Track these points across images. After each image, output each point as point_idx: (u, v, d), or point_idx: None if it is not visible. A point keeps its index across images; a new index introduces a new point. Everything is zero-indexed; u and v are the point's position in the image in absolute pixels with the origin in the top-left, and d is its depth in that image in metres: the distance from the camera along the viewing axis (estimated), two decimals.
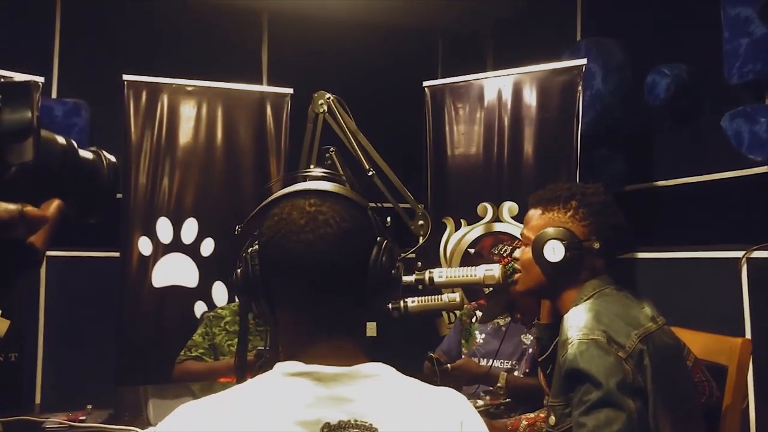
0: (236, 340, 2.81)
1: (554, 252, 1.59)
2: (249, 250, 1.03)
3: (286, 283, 0.99)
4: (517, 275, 1.72)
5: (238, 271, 1.05)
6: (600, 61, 3.42)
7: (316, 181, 1.04)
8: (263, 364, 2.22)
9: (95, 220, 0.65)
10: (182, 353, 2.88)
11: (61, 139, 0.62)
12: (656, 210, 3.49)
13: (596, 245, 1.60)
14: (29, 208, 0.53)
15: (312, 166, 1.79)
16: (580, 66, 3.32)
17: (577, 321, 1.47)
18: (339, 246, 0.96)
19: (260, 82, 4.28)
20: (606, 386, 1.36)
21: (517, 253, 1.74)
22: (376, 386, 0.95)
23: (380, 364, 0.99)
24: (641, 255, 3.46)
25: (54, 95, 3.96)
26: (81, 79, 3.99)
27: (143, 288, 3.46)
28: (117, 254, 3.53)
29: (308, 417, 0.89)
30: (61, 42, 4.03)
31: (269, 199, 1.03)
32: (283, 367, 0.95)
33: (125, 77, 3.55)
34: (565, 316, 1.52)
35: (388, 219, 1.25)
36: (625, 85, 3.43)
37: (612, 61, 3.43)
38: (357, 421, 0.91)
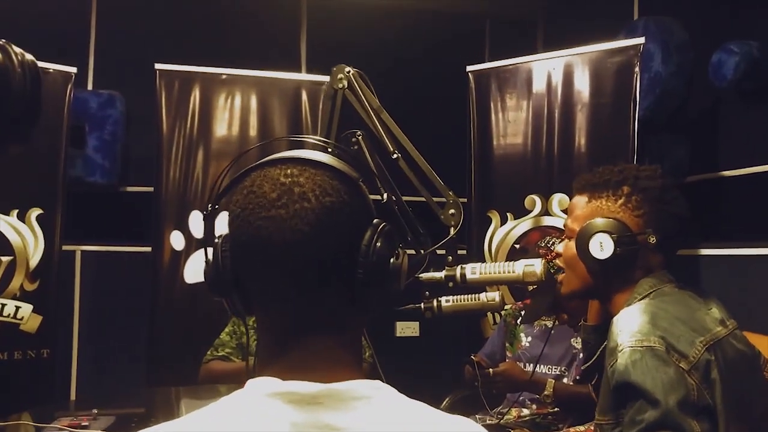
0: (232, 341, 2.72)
1: (602, 247, 1.37)
2: (220, 236, 0.85)
3: (256, 270, 0.80)
4: (561, 276, 1.50)
5: (207, 261, 0.87)
6: (659, 41, 3.15)
7: (301, 150, 0.85)
8: None
9: (20, 146, 0.45)
10: (209, 353, 2.75)
11: None
12: (721, 202, 3.20)
13: (652, 239, 1.37)
14: None
15: (330, 150, 1.60)
16: (638, 46, 3.05)
17: (630, 325, 1.24)
18: (318, 225, 0.76)
19: (299, 70, 4.14)
20: (664, 404, 1.13)
21: (559, 248, 1.52)
22: (371, 412, 0.75)
23: (376, 382, 0.78)
24: (704, 252, 3.18)
25: (89, 87, 3.90)
26: (116, 70, 3.92)
27: (175, 284, 3.35)
28: (149, 249, 3.43)
29: None
30: (96, 34, 3.97)
31: (241, 171, 0.84)
32: (255, 386, 0.76)
33: (157, 66, 3.45)
34: (615, 318, 1.30)
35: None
36: (687, 66, 3.15)
37: (672, 41, 3.16)
38: None
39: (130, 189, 3.93)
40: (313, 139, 1.20)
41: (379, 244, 0.80)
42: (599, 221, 1.40)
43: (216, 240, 0.84)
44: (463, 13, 4.33)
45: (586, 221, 1.43)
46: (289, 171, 0.79)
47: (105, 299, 3.84)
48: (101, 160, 3.74)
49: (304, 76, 3.82)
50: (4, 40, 0.47)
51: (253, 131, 3.54)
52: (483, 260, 3.30)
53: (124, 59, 3.90)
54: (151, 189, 3.51)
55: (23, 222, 3.25)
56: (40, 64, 3.31)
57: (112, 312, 3.83)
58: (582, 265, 1.43)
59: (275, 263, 0.77)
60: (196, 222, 3.41)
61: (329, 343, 0.80)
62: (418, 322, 4.16)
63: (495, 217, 3.35)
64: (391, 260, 0.82)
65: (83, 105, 3.68)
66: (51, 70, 3.38)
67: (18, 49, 0.49)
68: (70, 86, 3.41)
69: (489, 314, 3.32)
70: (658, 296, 1.32)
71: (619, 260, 1.36)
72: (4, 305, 3.19)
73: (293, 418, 0.73)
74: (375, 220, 0.82)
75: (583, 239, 1.41)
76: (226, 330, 2.79)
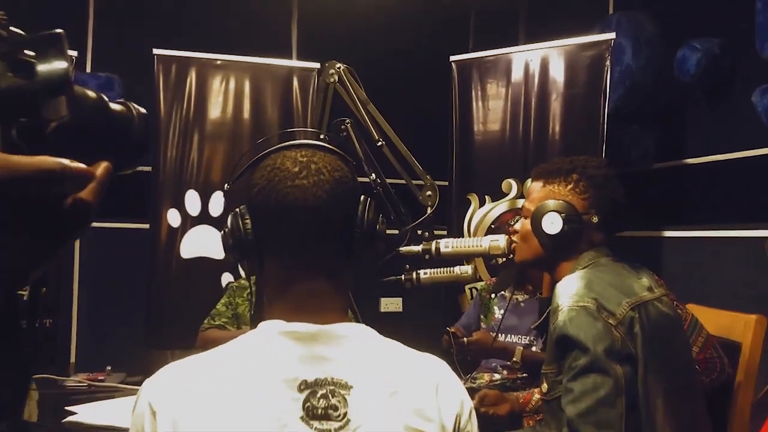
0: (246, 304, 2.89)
1: (552, 224, 1.59)
2: (237, 209, 1.07)
3: (278, 228, 1.02)
4: (514, 245, 1.72)
5: (226, 230, 1.09)
6: (630, 36, 3.35)
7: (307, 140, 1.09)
8: None
9: (130, 171, 0.64)
10: (206, 322, 2.94)
11: (91, 93, 0.61)
12: (684, 188, 3.42)
13: (595, 219, 1.59)
14: (72, 162, 0.51)
15: (322, 137, 1.81)
16: (608, 41, 3.26)
17: (569, 289, 1.46)
18: (331, 193, 1.00)
19: (290, 57, 4.31)
20: (593, 352, 1.36)
21: (517, 225, 1.74)
22: (353, 346, 0.98)
23: (359, 325, 1.02)
24: (668, 234, 3.40)
25: (88, 69, 4.05)
26: (114, 53, 4.06)
27: (172, 259, 3.53)
28: (147, 226, 3.62)
29: (289, 375, 0.93)
30: (95, 17, 4.12)
31: (260, 154, 1.06)
32: (267, 326, 0.98)
33: (155, 51, 3.61)
34: (558, 284, 1.52)
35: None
36: (655, 60, 3.35)
37: (643, 36, 3.36)
38: (333, 378, 0.94)
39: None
40: (310, 130, 1.41)
41: (369, 212, 1.05)
42: (551, 202, 1.62)
43: (236, 211, 1.06)
44: (450, 4, 4.49)
45: (540, 203, 1.65)
46: (303, 152, 1.03)
47: (104, 273, 4.02)
48: None
49: (295, 62, 3.99)
50: (123, 99, 0.61)
51: (246, 114, 3.70)
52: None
53: (121, 43, 4.05)
54: (148, 169, 3.69)
55: None
56: None
57: (110, 285, 4.01)
58: (535, 239, 1.65)
59: (298, 222, 1.00)
60: (191, 200, 3.60)
61: (326, 287, 1.02)
62: (401, 298, 4.38)
63: (474, 200, 3.55)
64: (377, 226, 1.07)
65: (82, 87, 3.83)
66: (47, 32, 3.53)
67: (134, 105, 0.62)
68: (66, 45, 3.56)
69: (467, 290, 3.54)
70: (595, 267, 1.54)
71: (566, 235, 1.58)
72: None
73: (298, 351, 0.95)
74: (362, 196, 1.06)
75: (537, 217, 1.63)
76: (222, 301, 2.99)
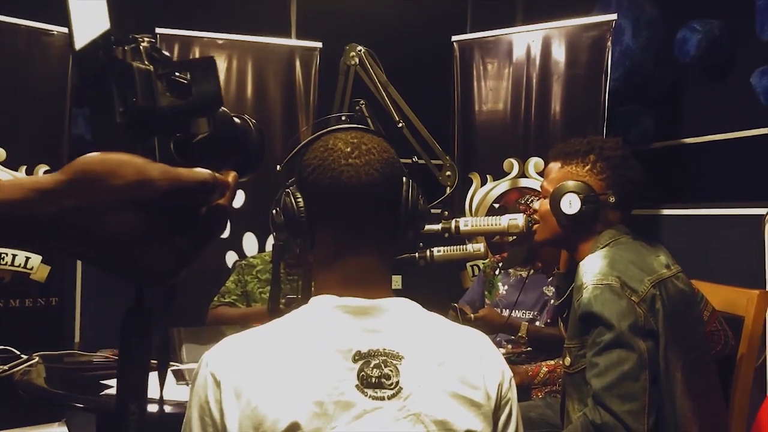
0: (267, 287, 2.91)
1: (571, 205, 1.64)
2: (288, 189, 1.12)
3: (332, 205, 1.07)
4: (535, 225, 1.78)
5: (277, 209, 1.13)
6: (631, 17, 3.40)
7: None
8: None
9: (248, 179, 0.70)
10: (216, 299, 2.99)
11: (221, 109, 0.66)
12: (683, 167, 3.50)
13: (612, 199, 1.65)
14: (218, 175, 0.56)
15: (343, 118, 1.85)
16: (610, 21, 3.30)
17: (593, 267, 1.52)
18: (381, 171, 1.06)
19: (289, 36, 4.31)
20: (618, 328, 1.42)
21: (536, 205, 1.80)
22: (401, 319, 1.04)
23: (404, 299, 1.07)
24: (667, 212, 3.48)
25: None
26: (115, 33, 4.05)
27: None
28: None
29: (343, 346, 0.98)
30: None
31: (312, 137, 1.11)
32: (322, 301, 1.04)
33: (158, 30, 3.61)
34: (581, 262, 1.58)
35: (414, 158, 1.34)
36: (655, 41, 3.41)
37: (643, 17, 3.41)
38: (384, 349, 0.99)
39: None
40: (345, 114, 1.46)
41: (414, 192, 1.11)
42: (569, 183, 1.68)
43: (287, 190, 1.11)
44: None
45: (559, 183, 1.70)
46: (353, 134, 1.09)
47: None
48: None
49: (297, 42, 4.00)
50: (246, 116, 0.66)
51: (248, 93, 3.72)
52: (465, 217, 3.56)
53: (122, 21, 4.03)
54: None
55: None
56: (44, 26, 3.48)
57: None
58: (554, 219, 1.70)
59: (352, 197, 1.05)
60: None
61: (375, 262, 1.08)
62: (400, 276, 4.43)
63: (476, 179, 3.61)
64: (420, 205, 1.13)
65: None
66: (55, 33, 3.53)
67: (250, 118, 0.67)
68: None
69: (468, 267, 3.61)
70: (616, 245, 1.60)
71: (584, 215, 1.64)
72: (15, 255, 3.40)
73: (351, 323, 1.01)
74: (404, 177, 1.11)
75: (556, 198, 1.68)
76: (232, 279, 3.04)
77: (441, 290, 3.81)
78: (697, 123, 3.43)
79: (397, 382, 0.98)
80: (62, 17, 0.61)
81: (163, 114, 0.57)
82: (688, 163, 3.46)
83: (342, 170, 1.04)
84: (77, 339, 4.02)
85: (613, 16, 3.30)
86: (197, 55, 3.66)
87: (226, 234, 3.63)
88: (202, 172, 0.55)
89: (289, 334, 1.02)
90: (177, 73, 0.58)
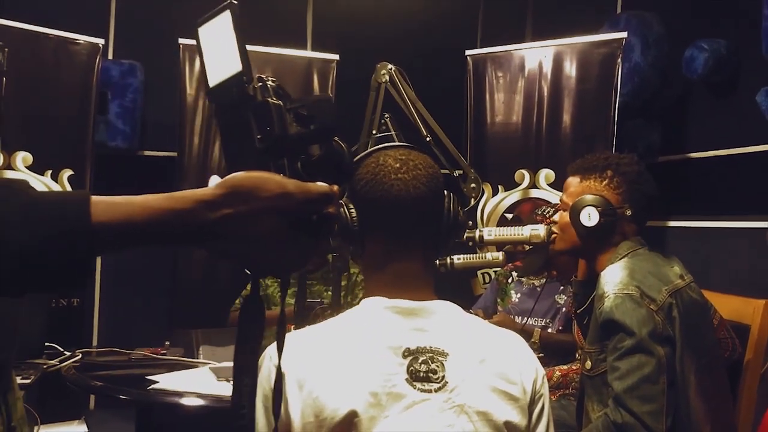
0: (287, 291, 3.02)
1: (590, 218, 1.75)
2: (342, 200, 1.22)
3: (383, 215, 1.17)
4: (554, 236, 1.88)
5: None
6: (639, 34, 3.51)
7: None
8: (315, 316, 2.44)
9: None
10: (237, 302, 3.09)
11: None
12: (689, 180, 3.61)
13: (628, 212, 1.75)
14: (334, 187, 0.71)
15: (374, 132, 1.95)
16: (620, 39, 3.42)
17: (614, 277, 1.63)
18: (427, 185, 1.16)
19: (305, 47, 4.42)
20: (638, 335, 1.53)
21: (556, 217, 1.90)
22: (445, 320, 1.14)
23: (447, 302, 1.18)
24: (673, 224, 3.59)
25: (110, 56, 4.15)
26: (136, 41, 4.16)
27: None
28: None
29: (394, 343, 1.09)
30: (117, 5, 4.21)
31: (362, 154, 1.22)
32: (373, 302, 1.14)
33: (181, 41, 3.72)
34: (602, 273, 1.68)
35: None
36: (663, 58, 3.52)
37: (651, 35, 3.53)
38: (431, 347, 1.10)
39: (148, 153, 4.21)
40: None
41: (454, 204, 1.22)
42: (588, 197, 1.78)
43: (341, 202, 1.21)
44: None
45: (578, 197, 1.81)
46: (401, 152, 1.19)
47: (127, 255, 4.13)
48: (122, 126, 4.02)
49: (314, 54, 4.10)
50: (337, 139, 0.79)
51: None
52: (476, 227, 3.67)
53: (142, 30, 4.15)
54: (170, 153, 3.82)
55: (56, 182, 3.54)
56: (71, 35, 3.59)
57: (132, 267, 4.13)
58: (573, 231, 1.81)
59: (401, 209, 1.15)
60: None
61: (421, 268, 1.19)
62: None
63: (487, 189, 3.72)
64: (459, 216, 1.24)
65: (105, 74, 3.92)
66: (81, 42, 3.64)
67: (342, 142, 0.79)
68: (98, 57, 3.68)
69: (479, 275, 3.71)
70: (634, 256, 1.71)
71: (602, 228, 1.75)
72: None
73: (401, 323, 1.11)
74: (445, 191, 1.22)
75: (575, 211, 1.79)
76: None
77: (451, 297, 3.91)
78: (702, 138, 3.54)
79: (443, 377, 1.08)
80: (194, 54, 0.73)
81: (293, 140, 0.70)
82: (694, 177, 3.57)
83: (392, 184, 1.15)
84: (95, 341, 4.11)
85: (624, 34, 3.42)
86: None
87: None
88: (324, 185, 0.70)
89: (346, 331, 1.12)
90: (302, 108, 0.71)
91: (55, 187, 3.53)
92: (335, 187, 0.72)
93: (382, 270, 1.19)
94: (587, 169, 1.85)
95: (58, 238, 0.58)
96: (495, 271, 3.25)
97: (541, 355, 2.78)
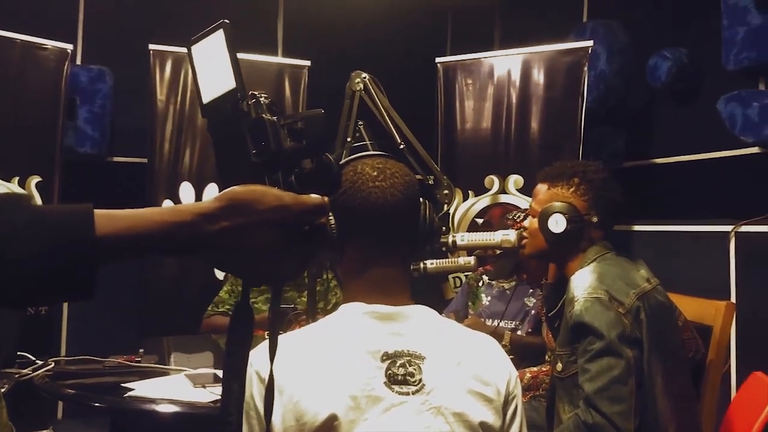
0: (259, 297, 3.03)
1: (557, 224, 1.80)
2: None
3: (360, 222, 1.20)
4: (524, 241, 1.93)
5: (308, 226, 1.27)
6: (605, 43, 3.60)
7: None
8: (289, 322, 2.46)
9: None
10: (209, 309, 3.09)
11: None
12: (653, 185, 3.70)
13: (595, 219, 1.81)
14: (326, 198, 0.74)
15: (349, 140, 1.98)
16: (587, 48, 3.50)
17: (583, 282, 1.69)
18: (404, 193, 1.19)
19: (275, 54, 4.43)
20: (608, 337, 1.58)
21: (526, 222, 1.95)
22: (422, 324, 1.18)
23: (423, 307, 1.22)
24: (638, 228, 3.67)
25: (79, 62, 4.11)
26: (105, 46, 4.13)
27: None
28: None
29: (372, 347, 1.12)
30: (85, 10, 4.17)
31: (342, 162, 1.25)
32: (352, 308, 1.17)
33: (151, 47, 3.71)
34: (572, 277, 1.73)
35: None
36: (628, 66, 3.61)
37: (616, 43, 3.61)
38: (409, 350, 1.13)
39: (117, 159, 4.17)
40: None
41: (429, 212, 1.25)
42: (555, 204, 1.83)
43: None
44: (428, 6, 4.66)
45: (546, 204, 1.86)
46: (378, 160, 1.23)
47: None
48: (92, 132, 3.97)
49: (286, 60, 4.12)
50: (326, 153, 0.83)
51: None
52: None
53: (112, 36, 4.11)
54: (141, 160, 3.80)
55: (23, 188, 3.49)
56: (39, 40, 3.56)
57: (102, 274, 4.07)
58: (542, 236, 1.86)
59: (379, 216, 1.18)
60: (186, 192, 3.72)
61: (397, 273, 1.22)
62: None
63: (458, 194, 3.76)
64: (435, 223, 1.27)
65: (74, 79, 3.88)
66: (49, 47, 3.61)
67: (330, 156, 0.83)
68: (67, 62, 3.65)
69: (450, 279, 3.76)
70: (602, 261, 1.76)
71: (570, 234, 1.80)
72: None
73: (379, 328, 1.14)
74: (421, 198, 1.25)
75: (543, 218, 1.84)
76: (225, 289, 3.14)
77: (424, 301, 3.94)
78: (666, 144, 3.63)
79: (420, 380, 1.12)
80: (189, 72, 0.75)
81: (287, 155, 0.74)
82: (658, 182, 3.67)
83: (370, 192, 1.18)
84: (63, 349, 4.06)
85: (590, 43, 3.50)
86: (189, 72, 3.75)
87: None
88: (317, 197, 0.73)
89: (325, 337, 1.15)
90: (296, 123, 0.74)
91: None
92: (326, 199, 0.75)
93: (360, 276, 1.21)
94: (555, 176, 1.90)
95: (64, 251, 0.61)
96: (466, 275, 3.30)
97: (511, 357, 2.83)
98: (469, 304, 3.17)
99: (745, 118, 2.88)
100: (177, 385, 1.96)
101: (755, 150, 3.02)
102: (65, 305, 4.08)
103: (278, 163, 0.74)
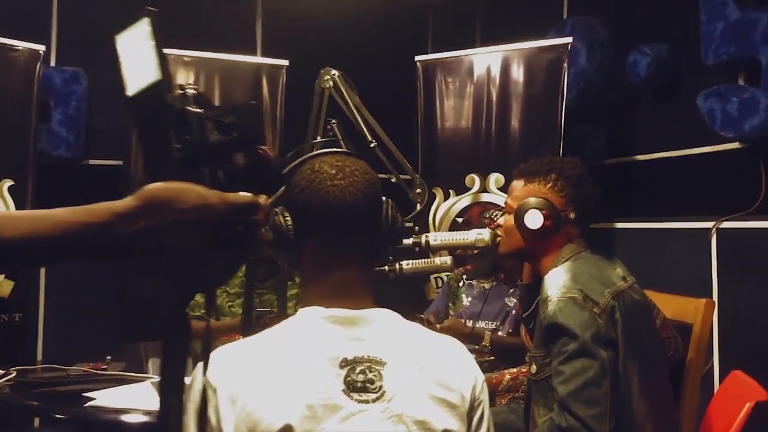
0: (237, 301, 2.97)
1: (533, 220, 1.76)
2: (277, 209, 1.20)
3: (318, 222, 1.15)
4: (499, 239, 1.89)
5: (266, 227, 1.21)
6: (585, 40, 3.57)
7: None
8: (264, 325, 2.40)
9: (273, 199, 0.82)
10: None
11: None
12: (634, 182, 3.67)
13: (572, 215, 1.77)
14: (261, 197, 0.69)
15: (318, 138, 1.94)
16: (566, 44, 3.46)
17: (557, 281, 1.64)
18: (364, 192, 1.15)
19: (255, 53, 4.38)
20: (582, 338, 1.54)
21: (501, 220, 1.91)
22: (383, 328, 1.13)
23: (386, 310, 1.17)
24: (619, 225, 3.64)
25: (53, 63, 4.04)
26: (79, 47, 4.05)
27: None
28: None
29: (331, 354, 1.07)
30: (59, 11, 4.10)
31: (299, 160, 1.20)
32: (310, 312, 1.12)
33: None
34: (546, 276, 1.69)
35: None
36: (608, 63, 3.59)
37: (596, 40, 3.59)
38: (369, 356, 1.08)
39: (93, 162, 4.10)
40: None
41: (392, 211, 1.21)
42: (532, 200, 1.79)
43: (275, 211, 1.19)
44: (409, 4, 4.62)
45: (522, 200, 1.82)
46: (337, 158, 1.18)
47: (72, 268, 4.02)
48: (66, 134, 3.90)
49: (264, 60, 4.07)
50: (265, 147, 0.78)
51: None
52: (428, 231, 3.67)
53: (86, 37, 4.03)
54: (116, 162, 3.74)
55: None
56: (10, 41, 3.49)
57: (78, 280, 4.01)
58: (518, 233, 1.82)
59: (338, 216, 1.14)
60: None
61: (358, 276, 1.17)
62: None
63: (439, 193, 3.73)
64: (398, 223, 1.22)
65: (48, 81, 3.81)
66: (20, 48, 3.54)
67: (270, 150, 0.78)
68: (39, 64, 3.58)
69: (432, 279, 3.72)
70: (577, 259, 1.72)
71: (547, 230, 1.76)
72: None
73: (338, 333, 1.09)
74: (383, 197, 1.20)
75: (519, 213, 1.80)
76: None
77: (406, 302, 3.89)
78: (647, 141, 3.61)
79: (381, 386, 1.07)
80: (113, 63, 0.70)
81: (213, 148, 0.69)
82: (640, 179, 3.64)
83: (328, 191, 1.13)
84: (40, 355, 3.99)
85: (569, 39, 3.47)
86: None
87: None
88: (247, 195, 0.67)
89: (281, 343, 1.10)
90: (224, 116, 0.70)
91: None
92: (263, 197, 0.70)
93: (319, 279, 1.17)
94: (531, 172, 1.86)
95: None
96: (447, 275, 3.26)
97: (492, 358, 2.80)
98: (450, 304, 3.13)
99: (724, 114, 2.85)
100: (141, 394, 1.90)
101: (735, 145, 2.99)
102: (41, 311, 4.01)
103: (204, 157, 0.69)
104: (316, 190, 1.14)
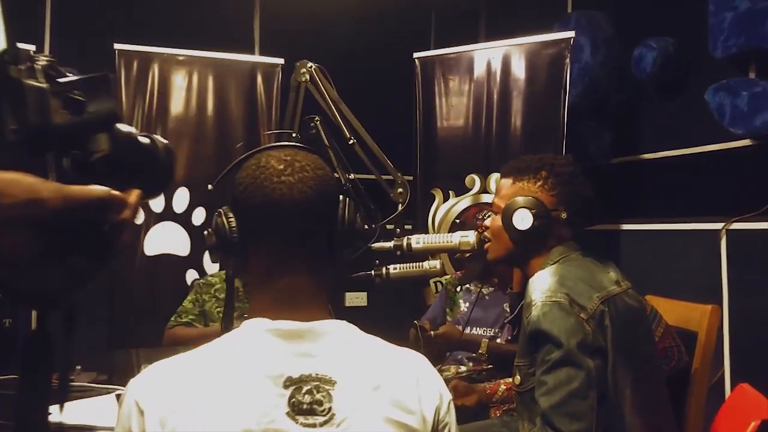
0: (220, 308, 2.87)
1: (523, 220, 1.63)
2: (221, 209, 1.09)
3: (264, 224, 1.04)
4: (487, 244, 1.76)
5: (209, 230, 1.10)
6: (589, 34, 3.43)
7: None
8: None
9: (155, 198, 0.70)
10: (172, 319, 2.93)
11: (124, 128, 0.67)
12: (641, 182, 3.53)
13: (563, 215, 1.64)
14: (115, 192, 0.57)
15: (294, 134, 1.83)
16: (568, 39, 3.33)
17: (541, 284, 1.52)
18: (315, 189, 1.03)
19: (252, 52, 4.29)
20: (566, 346, 1.41)
21: (488, 221, 1.79)
22: (336, 343, 1.01)
23: (341, 322, 1.04)
24: (625, 226, 3.51)
25: None
26: (72, 48, 3.99)
27: (135, 256, 3.50)
28: None
29: (274, 371, 0.95)
30: (52, 11, 4.04)
31: (244, 155, 1.09)
32: (253, 325, 1.00)
33: (117, 46, 3.56)
34: (531, 279, 1.57)
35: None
36: (613, 58, 3.45)
37: (601, 35, 3.45)
38: (317, 374, 0.96)
39: None
40: (286, 132, 1.43)
41: (349, 210, 1.09)
42: (521, 199, 1.67)
43: (219, 210, 1.08)
44: (411, 1, 4.52)
45: (510, 199, 1.69)
46: (287, 152, 1.06)
47: None
48: None
49: (258, 58, 3.97)
50: (155, 135, 0.67)
51: (209, 110, 3.68)
52: (428, 233, 3.56)
53: (79, 37, 3.97)
54: None
55: None
56: None
57: None
58: (506, 235, 1.69)
59: (284, 217, 1.02)
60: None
61: (309, 283, 1.05)
62: (365, 293, 4.41)
63: (438, 194, 3.61)
64: (356, 223, 1.10)
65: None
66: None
67: (158, 137, 0.68)
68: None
69: (431, 284, 3.60)
70: (565, 262, 1.60)
71: (536, 231, 1.63)
72: None
73: (283, 348, 0.98)
74: (340, 195, 1.08)
75: (507, 213, 1.67)
76: (189, 298, 2.98)
77: (405, 307, 3.79)
78: (654, 139, 3.47)
79: (330, 408, 0.95)
80: None
81: (56, 131, 0.57)
82: (646, 179, 3.50)
83: (274, 188, 1.02)
84: None
85: (571, 34, 3.34)
86: (157, 72, 3.62)
87: (186, 252, 3.58)
88: (96, 189, 0.56)
89: (218, 359, 0.98)
90: (74, 91, 0.58)
91: None
92: (134, 192, 0.59)
93: (265, 286, 1.05)
94: (520, 170, 1.74)
95: None
96: (444, 280, 3.14)
97: (490, 366, 2.67)
98: (447, 310, 3.00)
99: (733, 108, 2.71)
100: (105, 408, 1.79)
101: (746, 142, 2.85)
102: (33, 315, 3.93)
103: (45, 142, 0.57)
104: (261, 187, 1.03)
